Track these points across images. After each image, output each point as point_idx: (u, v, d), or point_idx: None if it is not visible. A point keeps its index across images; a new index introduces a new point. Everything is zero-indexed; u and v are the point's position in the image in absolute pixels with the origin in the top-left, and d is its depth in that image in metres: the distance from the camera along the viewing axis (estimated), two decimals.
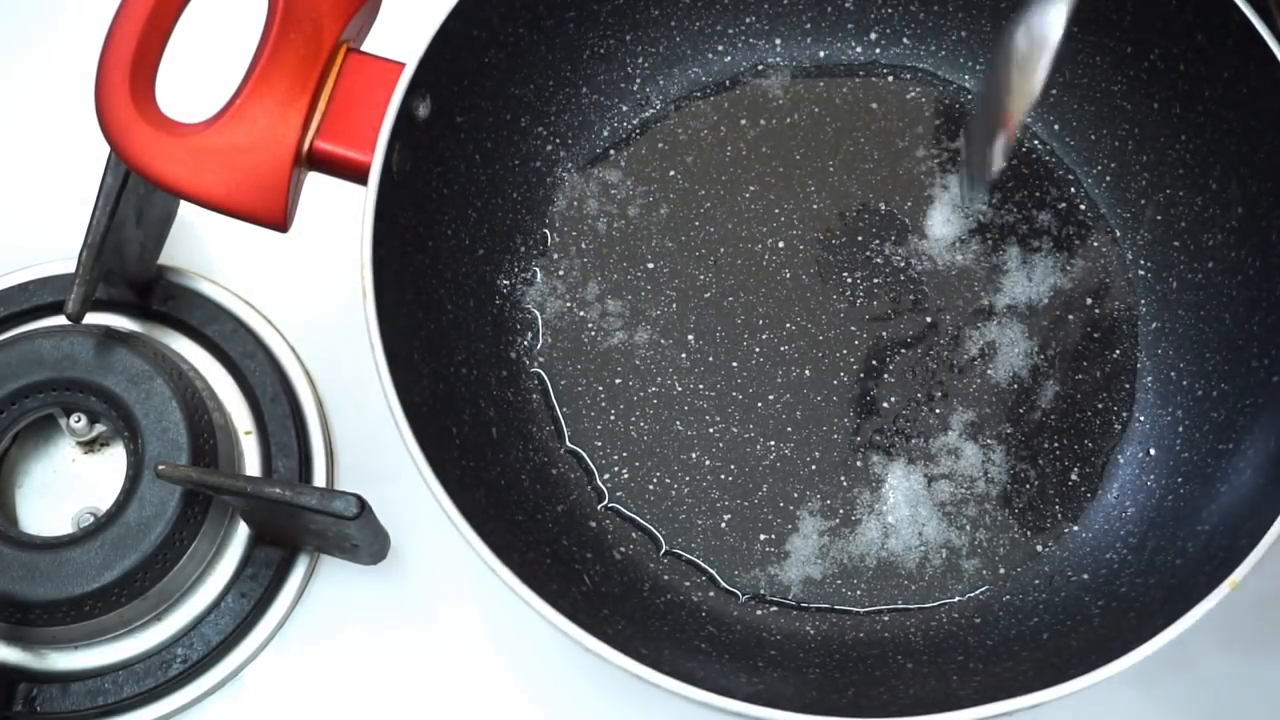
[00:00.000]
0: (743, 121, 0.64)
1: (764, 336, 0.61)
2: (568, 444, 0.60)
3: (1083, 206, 0.63)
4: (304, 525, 0.57)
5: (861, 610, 0.58)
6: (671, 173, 0.64)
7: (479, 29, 0.56)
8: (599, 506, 0.59)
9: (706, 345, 0.61)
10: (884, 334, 0.61)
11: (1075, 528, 0.59)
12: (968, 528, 0.59)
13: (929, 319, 0.61)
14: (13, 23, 0.72)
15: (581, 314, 0.62)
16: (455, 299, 0.59)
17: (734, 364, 0.61)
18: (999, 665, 0.54)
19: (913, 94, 0.65)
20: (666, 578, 0.58)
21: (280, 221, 0.53)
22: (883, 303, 0.62)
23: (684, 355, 0.61)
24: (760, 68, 0.65)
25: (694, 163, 0.64)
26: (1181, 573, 0.53)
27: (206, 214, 0.53)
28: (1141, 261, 0.62)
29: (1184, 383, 0.59)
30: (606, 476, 0.59)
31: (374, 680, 0.61)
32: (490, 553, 0.48)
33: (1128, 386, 0.61)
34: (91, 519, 0.59)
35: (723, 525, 0.59)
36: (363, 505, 0.54)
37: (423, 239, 0.57)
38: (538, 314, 0.62)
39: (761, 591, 0.58)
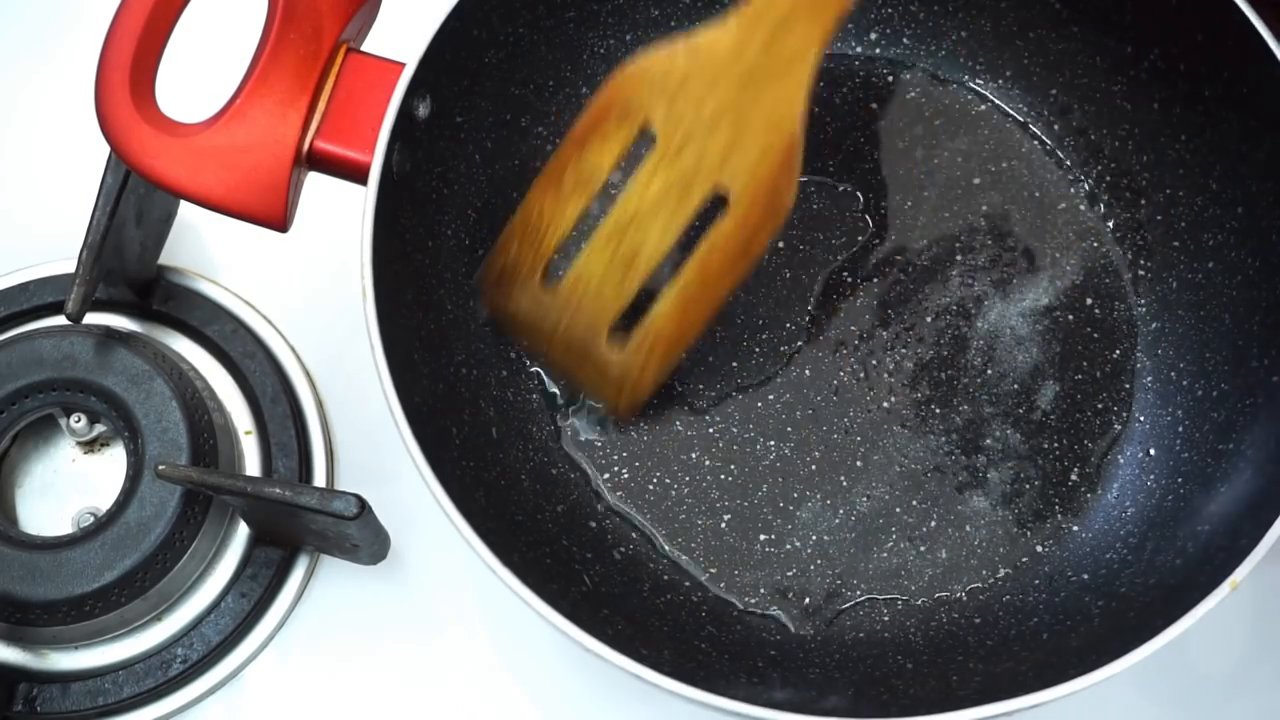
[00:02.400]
0: None
1: (764, 336, 0.61)
2: (567, 444, 0.60)
3: (1082, 207, 0.63)
4: (304, 525, 0.57)
5: (861, 610, 0.58)
6: None
7: (479, 29, 0.56)
8: (599, 506, 0.59)
9: (706, 345, 0.61)
10: (884, 333, 0.61)
11: (1075, 528, 0.59)
12: (968, 527, 0.59)
13: (929, 318, 0.61)
14: (13, 23, 0.72)
15: None
16: (455, 299, 0.59)
17: (734, 364, 0.61)
18: (999, 665, 0.54)
19: (913, 94, 0.65)
20: (666, 578, 0.58)
21: (280, 221, 0.53)
22: (883, 302, 0.62)
23: (684, 355, 0.61)
24: None
25: None
26: (1181, 573, 0.53)
27: (206, 214, 0.53)
28: (1141, 261, 0.62)
29: (1184, 383, 0.59)
30: (606, 476, 0.59)
31: (374, 680, 0.61)
32: (490, 553, 0.48)
33: (1128, 386, 0.61)
34: (91, 519, 0.59)
35: (723, 525, 0.59)
36: (363, 505, 0.54)
37: (423, 239, 0.57)
38: None
39: (762, 592, 0.58)
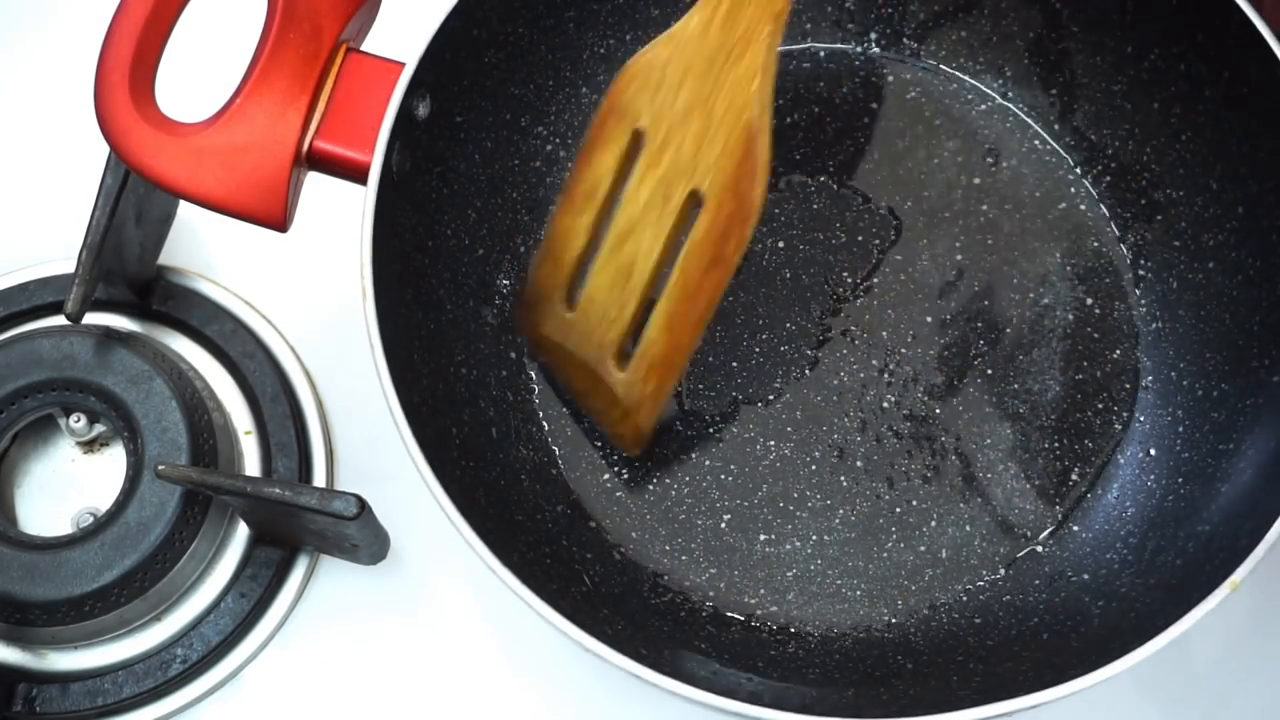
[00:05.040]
0: None
1: (764, 336, 0.61)
2: (568, 443, 0.60)
3: (1082, 207, 0.63)
4: (304, 525, 0.57)
5: (861, 610, 0.58)
6: None
7: (479, 29, 0.56)
8: (599, 506, 0.59)
9: (706, 345, 0.61)
10: (884, 333, 0.61)
11: (1075, 528, 0.59)
12: (968, 528, 0.59)
13: (928, 319, 0.61)
14: (13, 23, 0.72)
15: None
16: (455, 299, 0.59)
17: (734, 364, 0.61)
18: (999, 665, 0.54)
19: (913, 94, 0.65)
20: (666, 578, 0.58)
21: (280, 221, 0.53)
22: (883, 302, 0.62)
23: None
24: None
25: None
26: (1181, 573, 0.53)
27: (206, 214, 0.53)
28: (1141, 261, 0.62)
29: (1184, 383, 0.59)
30: (606, 477, 0.59)
31: (374, 680, 0.61)
32: (490, 553, 0.48)
33: (1128, 386, 0.61)
34: (91, 519, 0.59)
35: (723, 525, 0.59)
36: (362, 505, 0.54)
37: (423, 239, 0.57)
38: None
39: (762, 592, 0.58)
